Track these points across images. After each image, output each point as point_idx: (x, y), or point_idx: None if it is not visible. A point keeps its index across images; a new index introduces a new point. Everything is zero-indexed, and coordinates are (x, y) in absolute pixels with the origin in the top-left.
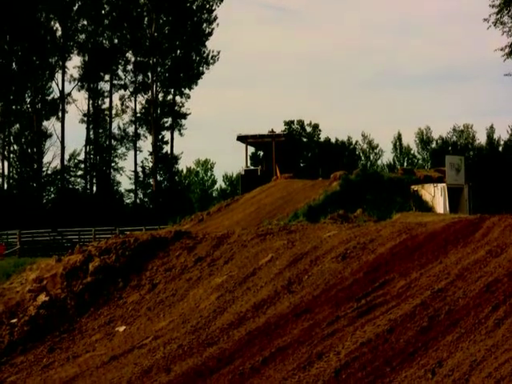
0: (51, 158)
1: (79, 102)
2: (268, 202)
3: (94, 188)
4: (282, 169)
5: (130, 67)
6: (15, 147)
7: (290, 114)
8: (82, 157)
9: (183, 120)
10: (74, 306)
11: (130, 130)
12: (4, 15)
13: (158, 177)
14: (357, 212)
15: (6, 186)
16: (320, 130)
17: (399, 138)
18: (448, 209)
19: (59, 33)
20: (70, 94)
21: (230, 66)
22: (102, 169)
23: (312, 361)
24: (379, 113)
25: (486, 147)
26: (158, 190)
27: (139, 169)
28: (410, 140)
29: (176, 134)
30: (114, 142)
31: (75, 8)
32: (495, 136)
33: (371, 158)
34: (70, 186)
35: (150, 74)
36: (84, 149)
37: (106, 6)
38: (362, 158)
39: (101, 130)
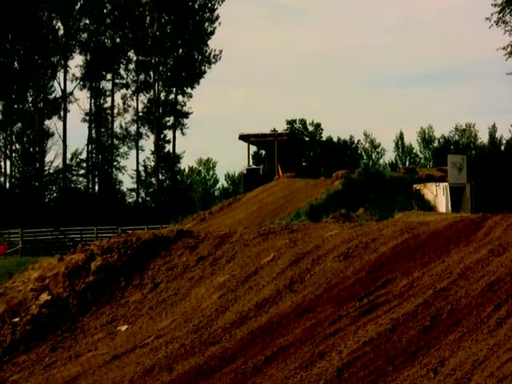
0: (53, 157)
1: (81, 101)
2: (270, 201)
3: (96, 187)
4: (284, 168)
5: (131, 66)
6: (17, 146)
7: (292, 113)
8: (84, 156)
9: (185, 119)
10: (76, 305)
11: (132, 129)
12: (6, 14)
13: (160, 176)
14: (359, 211)
15: (8, 185)
16: (322, 129)
17: (401, 137)
18: (450, 208)
19: (61, 32)
20: (71, 93)
21: (232, 64)
22: (104, 168)
23: (314, 360)
24: (381, 112)
25: (488, 146)
26: (159, 189)
27: (141, 168)
28: (412, 139)
29: (178, 133)
30: (116, 141)
31: (77, 7)
32: (497, 135)
33: (373, 157)
34: (72, 185)
35: (151, 73)
36: (86, 148)
37: (107, 5)
38: (364, 157)
39: (103, 129)
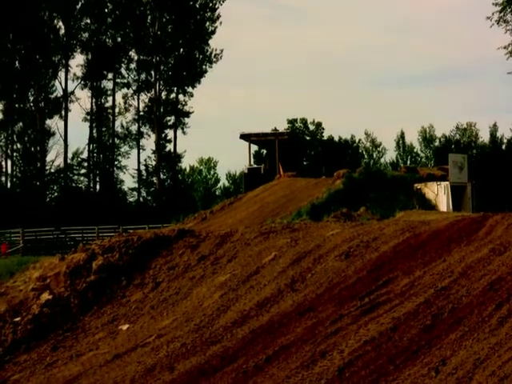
0: (54, 157)
1: (82, 100)
2: (271, 201)
3: (98, 186)
4: (285, 167)
5: (133, 66)
6: (18, 146)
7: (293, 113)
8: (85, 155)
9: (186, 118)
10: (78, 304)
11: (133, 128)
12: (7, 14)
13: (161, 175)
14: (360, 210)
15: (9, 184)
16: (323, 129)
17: (402, 136)
18: (451, 207)
19: (62, 31)
20: (73, 93)
21: (233, 64)
22: (105, 167)
23: (315, 359)
24: (382, 111)
25: (489, 145)
26: (161, 188)
27: (142, 167)
28: (413, 138)
29: (179, 132)
30: (117, 141)
31: (78, 6)
32: (498, 134)
33: (374, 156)
34: (74, 185)
35: (153, 72)
36: (87, 147)
37: (109, 4)
38: (365, 157)
39: (104, 129)
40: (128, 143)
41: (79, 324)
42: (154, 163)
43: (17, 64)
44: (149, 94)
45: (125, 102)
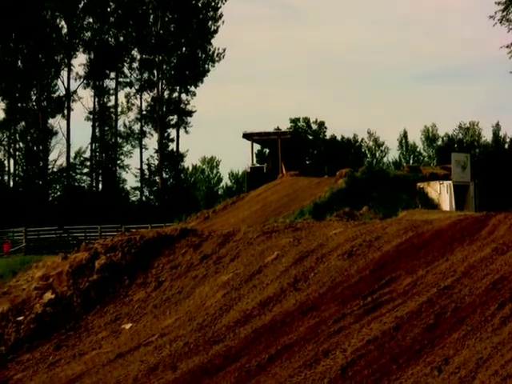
0: (57, 156)
1: (85, 99)
2: (274, 200)
3: (100, 186)
4: (287, 166)
5: (135, 65)
6: (21, 145)
7: (295, 112)
8: (87, 154)
9: (189, 117)
10: (80, 303)
11: (136, 127)
12: (10, 13)
13: (164, 174)
14: (363, 209)
15: (11, 183)
16: (326, 128)
17: (405, 135)
18: (454, 206)
19: (65, 30)
20: (75, 92)
21: (236, 63)
22: (107, 166)
23: (318, 358)
24: (385, 110)
25: (492, 144)
26: (163, 187)
27: (145, 166)
28: (415, 137)
29: (182, 131)
30: (119, 140)
31: (81, 6)
32: (501, 133)
33: (377, 155)
34: (76, 184)
35: (155, 71)
36: (90, 146)
37: (111, 3)
38: (368, 156)
39: (106, 128)
40: (130, 142)
41: (82, 323)
42: (156, 162)
43: (19, 63)
44: (151, 93)
45: (127, 101)
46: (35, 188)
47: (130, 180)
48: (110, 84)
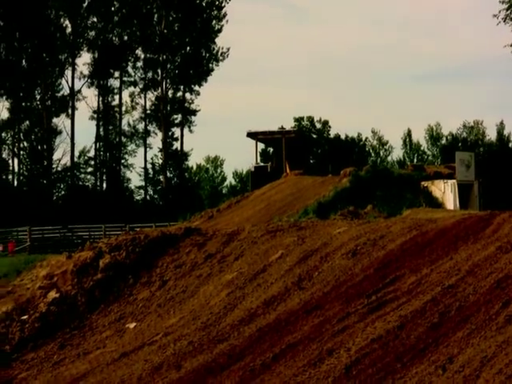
0: (61, 155)
1: (89, 98)
2: (278, 199)
3: (104, 185)
4: (291, 165)
5: (139, 64)
6: (25, 144)
7: (299, 111)
8: (91, 154)
9: (193, 117)
10: (85, 302)
11: (140, 126)
12: (14, 12)
13: (168, 173)
14: (367, 208)
15: (16, 182)
16: (330, 127)
17: (409, 134)
18: (458, 205)
19: (69, 30)
20: (79, 91)
21: (240, 62)
22: (111, 165)
23: (322, 357)
24: (389, 109)
25: (496, 143)
26: (167, 186)
27: (149, 165)
28: (419, 136)
29: (186, 130)
30: (123, 139)
31: (85, 5)
32: (505, 132)
33: (381, 154)
34: (80, 183)
35: (159, 70)
36: (94, 146)
37: (115, 2)
38: (372, 155)
39: (111, 127)
40: (135, 141)
41: (86, 322)
42: (160, 161)
43: (23, 62)
44: (155, 93)
45: (131, 101)
46: (39, 187)
47: (134, 179)
48: (114, 83)
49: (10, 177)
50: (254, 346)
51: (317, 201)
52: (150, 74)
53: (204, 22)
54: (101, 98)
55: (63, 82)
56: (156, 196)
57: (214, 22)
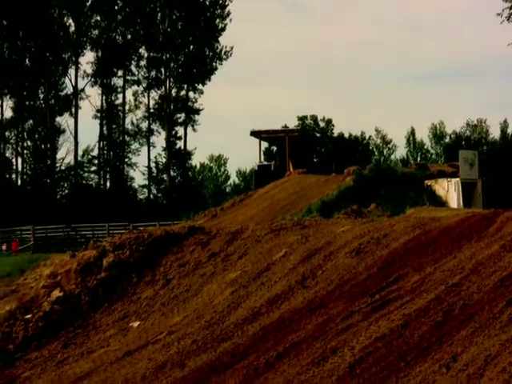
0: (65, 154)
1: (92, 97)
2: (281, 198)
3: (108, 184)
4: (295, 164)
5: (143, 63)
6: (29, 143)
7: (303, 110)
8: (95, 152)
9: (196, 115)
10: (88, 301)
11: (144, 125)
12: (17, 11)
13: (172, 172)
14: (370, 207)
15: (19, 181)
16: (333, 126)
17: (412, 132)
18: (461, 203)
19: (72, 28)
20: (83, 90)
21: (243, 61)
22: (115, 164)
23: (326, 356)
24: (393, 108)
25: (500, 142)
26: (171, 185)
27: (153, 164)
28: (423, 135)
29: (189, 129)
30: (127, 138)
31: (88, 4)
32: (509, 130)
33: (385, 153)
34: (84, 182)
35: (163, 69)
36: (97, 144)
37: (119, 1)
38: (376, 153)
39: (114, 126)
40: (138, 140)
41: (90, 321)
42: (164, 160)
43: (27, 61)
44: (159, 92)
45: (135, 100)
46: (43, 186)
47: (138, 178)
48: (118, 82)
49: (14, 176)
50: (258, 345)
51: (320, 199)
52: (153, 73)
53: (207, 21)
54: (104, 97)
55: (67, 80)
56: (159, 195)
57: (217, 20)
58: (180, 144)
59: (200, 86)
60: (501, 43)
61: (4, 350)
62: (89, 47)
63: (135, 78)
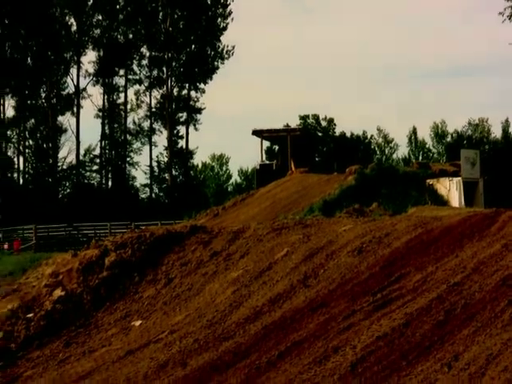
0: (66, 153)
1: (94, 96)
2: (283, 197)
3: (110, 183)
4: (297, 163)
5: (144, 62)
6: (30, 142)
7: (305, 109)
8: (97, 152)
9: (198, 115)
10: (90, 300)
11: (145, 124)
12: (19, 11)
13: (174, 171)
14: (372, 206)
15: (21, 181)
16: (335, 125)
17: (414, 132)
18: (463, 203)
19: (74, 28)
20: (85, 89)
21: (245, 60)
22: (117, 163)
23: (328, 355)
24: (394, 107)
25: (502, 141)
26: (173, 184)
27: (154, 163)
28: (425, 134)
29: (191, 128)
30: (129, 137)
31: (90, 3)
32: (510, 130)
33: (386, 152)
34: (86, 181)
35: (164, 68)
36: (99, 144)
37: (120, 0)
38: (378, 153)
39: (116, 125)
40: (140, 140)
41: (92, 320)
42: (166, 159)
43: (29, 60)
44: (161, 91)
45: (137, 99)
46: (45, 185)
47: (140, 177)
48: (120, 81)
49: (16, 175)
50: (260, 344)
51: (322, 198)
52: (155, 72)
53: (209, 20)
54: (106, 96)
55: (68, 80)
56: (161, 194)
57: (219, 19)
58: (182, 143)
59: (202, 85)
60: (503, 42)
61: (6, 348)
62: (90, 46)
63: (137, 77)
